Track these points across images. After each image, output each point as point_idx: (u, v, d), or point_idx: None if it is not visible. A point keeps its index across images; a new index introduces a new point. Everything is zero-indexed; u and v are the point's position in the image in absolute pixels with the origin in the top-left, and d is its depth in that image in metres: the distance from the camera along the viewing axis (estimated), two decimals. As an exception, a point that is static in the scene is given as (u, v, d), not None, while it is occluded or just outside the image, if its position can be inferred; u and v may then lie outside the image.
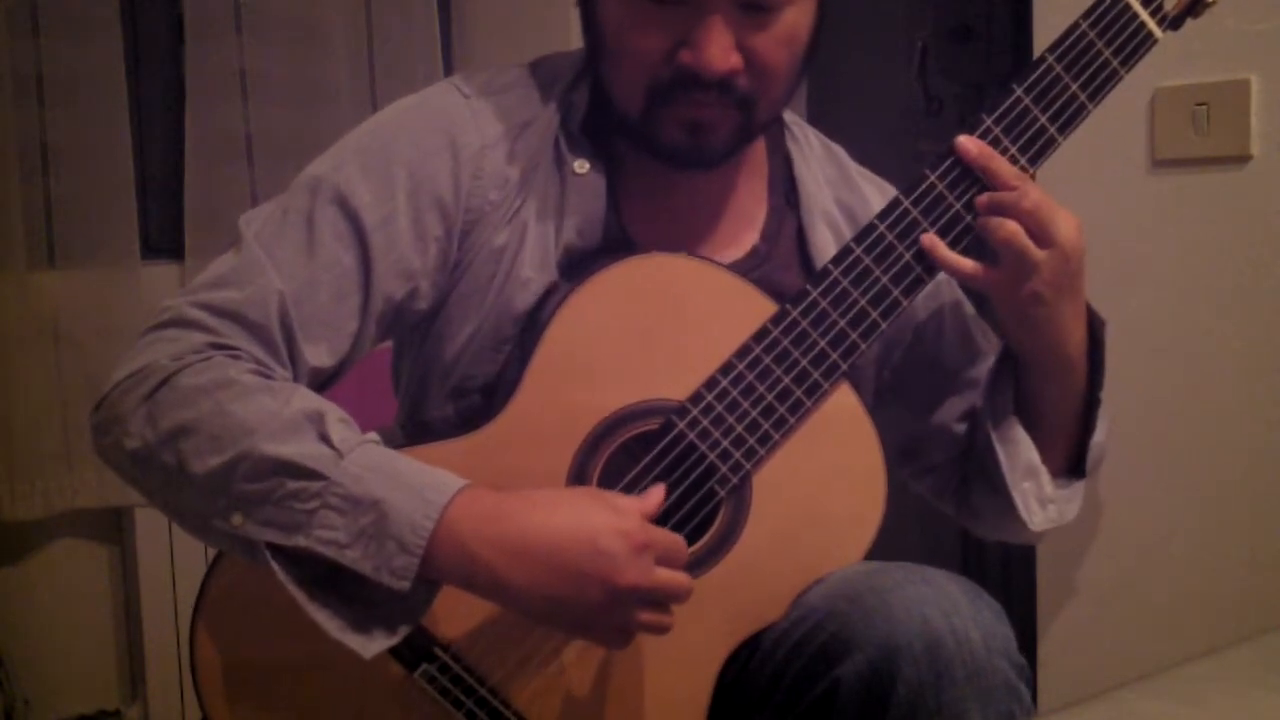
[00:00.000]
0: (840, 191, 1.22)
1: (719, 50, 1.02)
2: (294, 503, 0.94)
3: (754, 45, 1.04)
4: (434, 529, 0.93)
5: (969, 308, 1.28)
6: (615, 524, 0.95)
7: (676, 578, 0.96)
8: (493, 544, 0.94)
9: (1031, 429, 1.15)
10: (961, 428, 1.25)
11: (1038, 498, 1.15)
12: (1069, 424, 1.15)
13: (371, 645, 0.94)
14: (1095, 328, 1.13)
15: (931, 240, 1.06)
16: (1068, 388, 1.13)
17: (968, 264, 1.07)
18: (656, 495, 1.00)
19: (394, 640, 0.95)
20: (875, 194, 1.23)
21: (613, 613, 0.95)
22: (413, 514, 0.93)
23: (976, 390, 1.24)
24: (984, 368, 1.23)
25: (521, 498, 0.97)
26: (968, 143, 1.06)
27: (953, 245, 1.07)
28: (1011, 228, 1.05)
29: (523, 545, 0.94)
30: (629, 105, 1.08)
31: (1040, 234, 1.05)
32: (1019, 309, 1.08)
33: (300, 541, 0.94)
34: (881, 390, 1.25)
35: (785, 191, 1.20)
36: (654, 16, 1.03)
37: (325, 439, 0.95)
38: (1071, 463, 1.18)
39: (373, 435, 0.98)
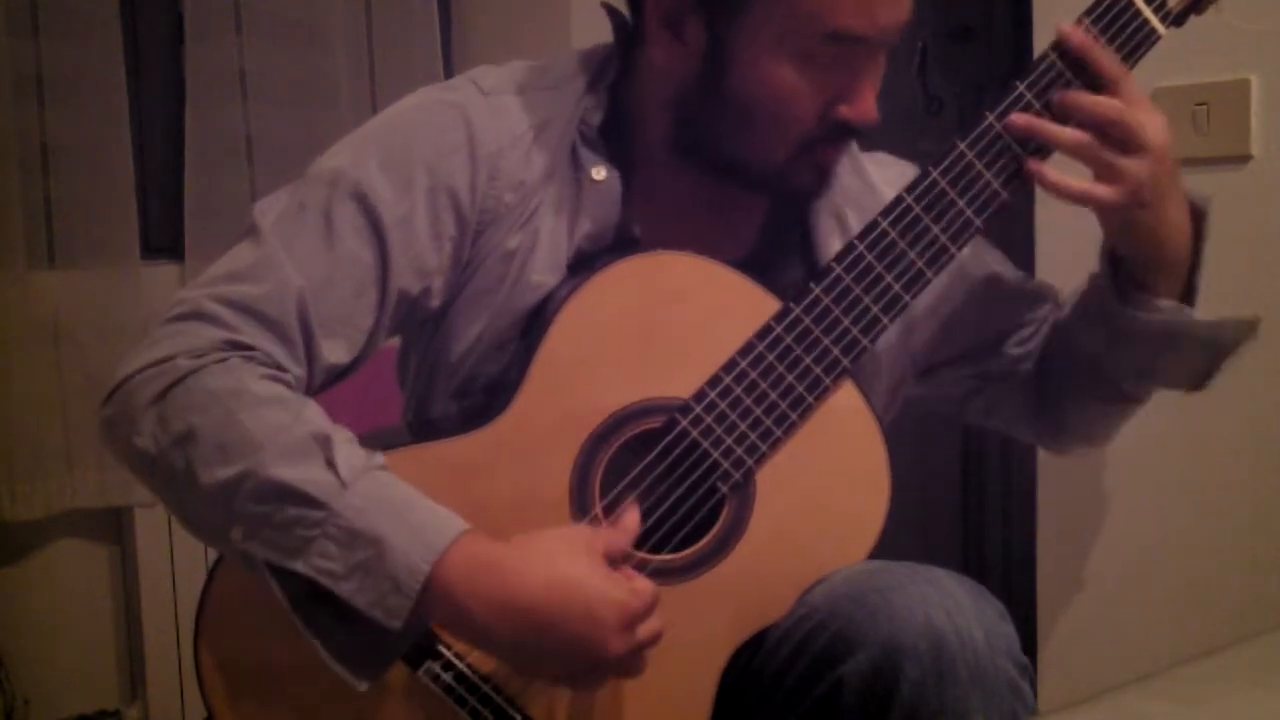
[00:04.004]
0: (848, 181, 1.22)
1: (873, 103, 1.06)
2: (295, 529, 0.94)
3: (877, 82, 1.07)
4: (429, 573, 0.93)
5: (1005, 269, 1.29)
6: (609, 594, 0.94)
7: (655, 631, 0.97)
8: (483, 597, 0.94)
9: None
10: (1026, 349, 1.28)
11: (1225, 323, 1.16)
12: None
13: (360, 681, 0.95)
14: (1196, 214, 1.13)
15: (1039, 166, 1.06)
16: (1175, 280, 1.14)
17: (1070, 186, 1.07)
18: (631, 517, 1.02)
19: (382, 674, 0.96)
20: (882, 181, 1.23)
21: (593, 677, 0.97)
22: (410, 555, 0.93)
23: (1038, 316, 1.28)
24: (1039, 307, 1.28)
25: (518, 549, 0.96)
26: (1072, 32, 1.06)
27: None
28: (1082, 138, 1.05)
29: (512, 602, 0.94)
30: (767, 158, 1.08)
31: (1128, 140, 1.04)
32: (1119, 218, 1.09)
33: (298, 567, 0.94)
34: (935, 365, 1.27)
35: None
36: (815, 78, 1.04)
37: (331, 464, 0.95)
38: None
39: (379, 459, 0.98)
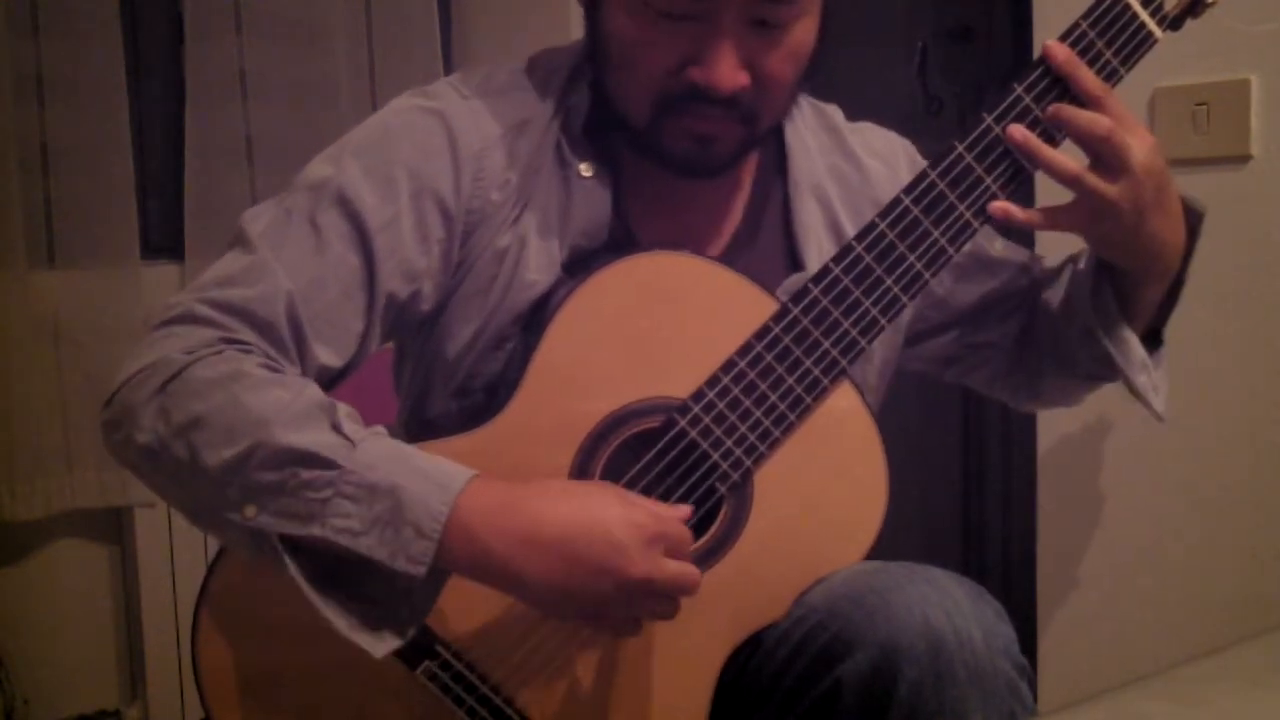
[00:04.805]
0: (833, 157, 1.22)
1: (728, 69, 1.03)
2: (307, 492, 0.94)
3: (762, 62, 1.04)
4: (449, 515, 0.93)
5: (989, 243, 1.29)
6: (627, 515, 0.95)
7: (686, 569, 0.97)
8: (504, 533, 0.94)
9: (1123, 314, 1.16)
10: (1010, 323, 1.30)
11: (1152, 387, 1.18)
12: (1155, 304, 1.17)
13: (381, 645, 0.94)
14: (1192, 219, 1.14)
15: (1005, 206, 1.06)
16: (1163, 282, 1.15)
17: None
18: (684, 509, 1.00)
19: (401, 642, 0.95)
20: (864, 148, 1.24)
21: (622, 603, 0.96)
22: (428, 500, 0.93)
23: (1023, 290, 1.29)
24: (1025, 282, 1.29)
25: (534, 487, 0.97)
26: (1056, 49, 1.06)
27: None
28: (1074, 170, 1.05)
29: (534, 535, 0.94)
30: (635, 114, 1.08)
31: (1114, 160, 1.04)
32: (1102, 237, 1.09)
33: (315, 531, 0.94)
34: (920, 335, 1.28)
35: (775, 161, 1.20)
36: (665, 31, 1.03)
37: (337, 428, 0.96)
38: (1147, 333, 1.19)
39: (379, 428, 0.99)
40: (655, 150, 1.10)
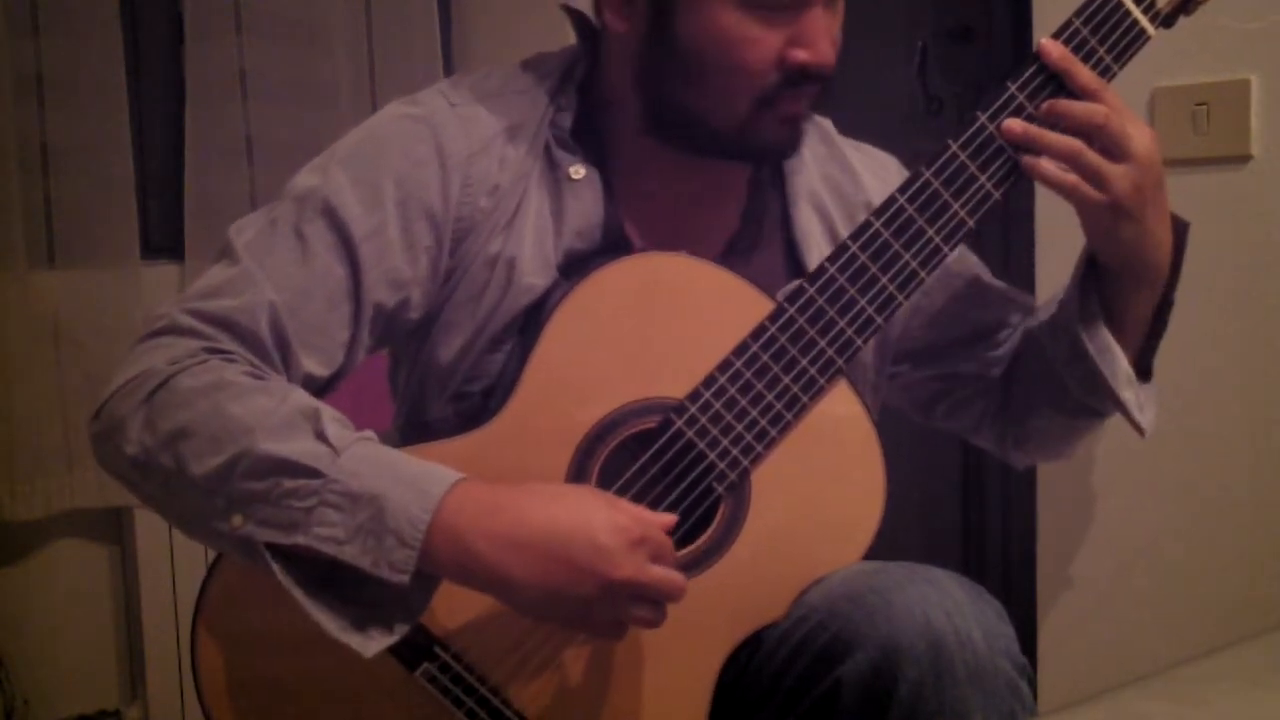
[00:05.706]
0: (827, 167, 1.22)
1: (829, 44, 1.05)
2: (292, 501, 0.94)
3: (835, 34, 1.07)
4: (431, 521, 0.93)
5: (985, 273, 1.30)
6: (611, 519, 0.95)
7: (670, 574, 0.97)
8: (489, 536, 0.94)
9: (1110, 327, 1.15)
10: (997, 353, 1.29)
11: (1137, 404, 1.16)
12: (1143, 326, 1.16)
13: (371, 645, 0.94)
14: (1178, 230, 1.13)
15: (1033, 160, 1.06)
16: (1153, 293, 1.14)
17: (1063, 179, 1.06)
18: (668, 517, 1.00)
19: (392, 639, 0.95)
20: (861, 165, 1.24)
21: (606, 606, 0.96)
22: (410, 507, 0.93)
23: (1012, 321, 1.28)
24: (1014, 312, 1.29)
25: (518, 490, 0.97)
26: (1051, 47, 1.06)
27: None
28: (1076, 145, 1.05)
29: (519, 538, 0.94)
30: (729, 114, 1.08)
31: (1114, 147, 1.04)
32: (1103, 225, 1.08)
33: (299, 540, 0.94)
34: (907, 356, 1.28)
35: (770, 170, 1.20)
36: (767, 23, 1.04)
37: (321, 436, 0.96)
38: (1137, 365, 1.18)
39: (368, 433, 0.99)
40: (741, 146, 1.10)
